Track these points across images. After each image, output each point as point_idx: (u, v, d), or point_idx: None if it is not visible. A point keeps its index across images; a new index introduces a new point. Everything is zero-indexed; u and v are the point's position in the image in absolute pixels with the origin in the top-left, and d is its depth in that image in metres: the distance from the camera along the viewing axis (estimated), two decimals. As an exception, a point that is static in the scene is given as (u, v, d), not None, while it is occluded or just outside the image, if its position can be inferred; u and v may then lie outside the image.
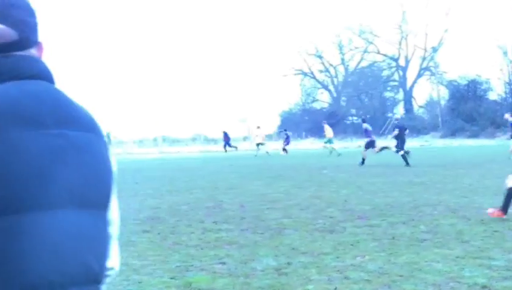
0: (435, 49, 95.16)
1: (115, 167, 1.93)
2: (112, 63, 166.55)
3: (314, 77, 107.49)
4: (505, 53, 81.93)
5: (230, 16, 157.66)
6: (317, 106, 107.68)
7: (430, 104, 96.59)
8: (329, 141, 41.02)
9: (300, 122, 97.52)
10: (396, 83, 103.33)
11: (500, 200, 10.83)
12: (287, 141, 45.95)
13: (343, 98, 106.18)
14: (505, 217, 10.47)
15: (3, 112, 1.69)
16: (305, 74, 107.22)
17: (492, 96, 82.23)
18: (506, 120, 30.69)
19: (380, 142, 31.74)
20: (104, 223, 1.88)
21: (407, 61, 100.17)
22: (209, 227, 10.84)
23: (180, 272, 7.39)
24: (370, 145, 28.58)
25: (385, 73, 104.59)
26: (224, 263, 7.84)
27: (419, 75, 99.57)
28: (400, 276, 6.83)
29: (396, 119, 27.28)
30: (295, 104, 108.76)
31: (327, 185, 18.29)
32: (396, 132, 26.79)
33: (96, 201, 1.83)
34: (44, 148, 1.72)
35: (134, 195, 16.83)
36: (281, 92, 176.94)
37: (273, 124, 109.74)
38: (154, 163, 39.91)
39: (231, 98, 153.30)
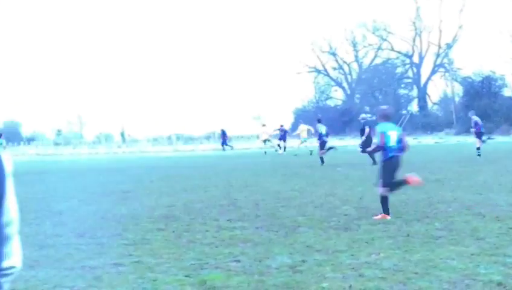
0: (449, 46, 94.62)
1: (9, 167, 1.91)
2: (127, 62, 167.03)
3: (327, 74, 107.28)
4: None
5: (244, 13, 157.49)
6: (331, 103, 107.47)
7: (444, 101, 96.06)
8: (305, 140, 41.03)
9: (314, 120, 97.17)
10: (410, 80, 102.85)
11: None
12: (283, 137, 44.42)
13: (357, 96, 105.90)
14: None
15: None
16: (319, 71, 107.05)
17: (507, 92, 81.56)
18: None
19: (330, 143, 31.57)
20: None
21: (421, 58, 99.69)
22: (224, 225, 10.87)
23: (194, 270, 7.42)
24: (322, 146, 28.53)
25: (399, 70, 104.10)
26: (238, 261, 7.86)
27: (433, 72, 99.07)
28: (415, 273, 6.82)
29: (363, 119, 27.02)
30: (309, 101, 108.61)
31: (342, 182, 18.27)
32: (367, 129, 26.67)
33: None
34: None
35: (149, 193, 16.90)
36: (295, 89, 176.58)
37: (286, 121, 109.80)
38: (168, 161, 39.99)
39: (245, 96, 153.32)
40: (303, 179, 19.86)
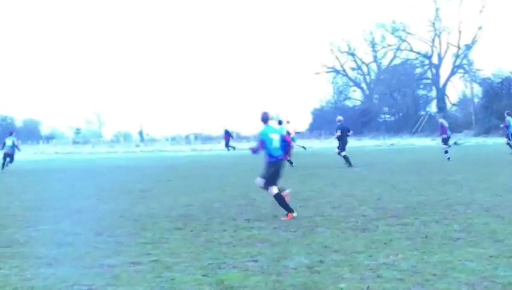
0: (468, 47, 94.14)
1: None
2: (147, 61, 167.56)
3: (346, 75, 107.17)
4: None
5: (262, 14, 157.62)
6: (349, 103, 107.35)
7: (463, 102, 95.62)
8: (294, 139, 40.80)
9: (332, 120, 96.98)
10: (429, 81, 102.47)
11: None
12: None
13: (375, 96, 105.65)
14: None
15: None
16: (338, 72, 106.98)
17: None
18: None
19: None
20: None
21: (440, 59, 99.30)
22: (242, 225, 10.88)
23: (212, 270, 7.43)
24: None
25: (418, 71, 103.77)
26: (256, 261, 7.86)
27: (452, 73, 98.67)
28: (433, 275, 6.79)
29: (339, 121, 26.87)
30: (327, 101, 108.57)
31: (360, 183, 18.22)
32: (338, 133, 26.52)
33: None
34: None
35: (167, 192, 16.96)
36: (313, 89, 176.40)
37: (305, 121, 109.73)
38: (186, 160, 40.09)
39: (263, 96, 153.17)
40: (321, 180, 19.84)
